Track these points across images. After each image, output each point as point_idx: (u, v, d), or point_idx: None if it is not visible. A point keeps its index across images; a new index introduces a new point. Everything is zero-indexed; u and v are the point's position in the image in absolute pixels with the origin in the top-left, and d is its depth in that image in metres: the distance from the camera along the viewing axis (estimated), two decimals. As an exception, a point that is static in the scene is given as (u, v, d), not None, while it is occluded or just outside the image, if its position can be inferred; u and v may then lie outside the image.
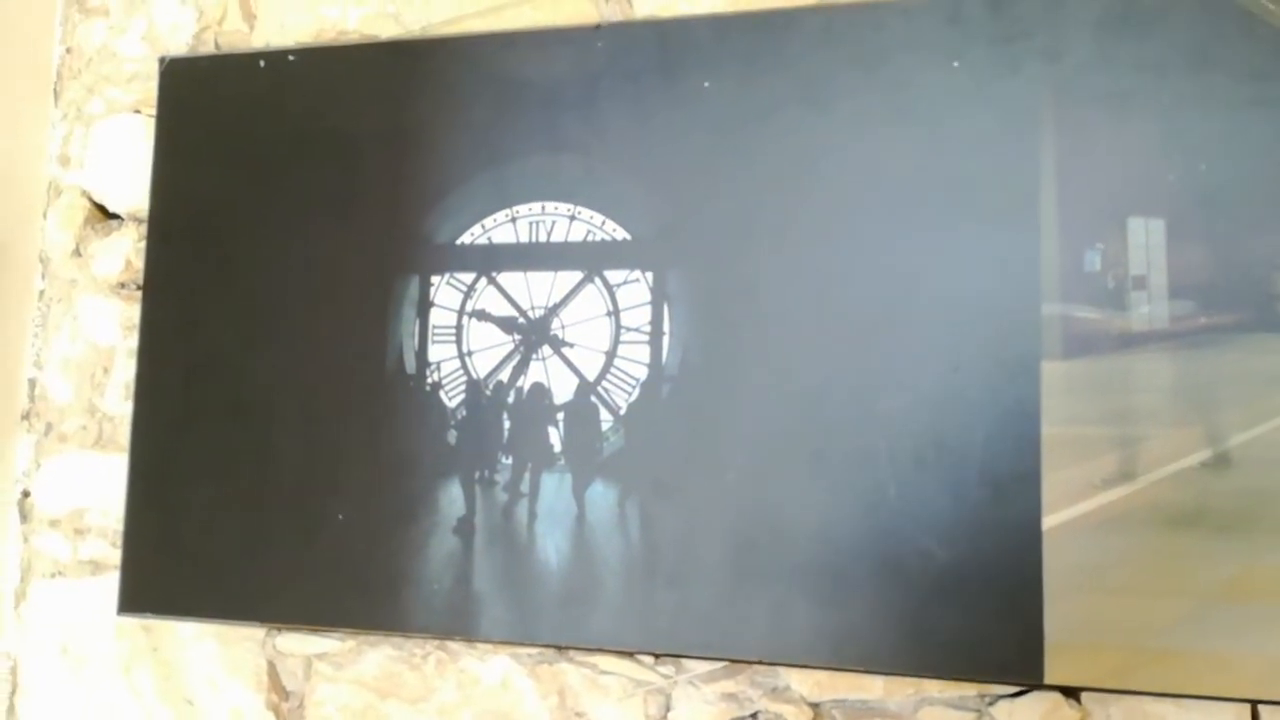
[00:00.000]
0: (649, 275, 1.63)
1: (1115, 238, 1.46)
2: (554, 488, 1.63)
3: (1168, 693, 1.40)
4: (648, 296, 1.62)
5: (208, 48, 2.01)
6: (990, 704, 1.54)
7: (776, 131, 1.59)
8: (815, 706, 1.59)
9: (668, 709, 1.64)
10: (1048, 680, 1.42)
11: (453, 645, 1.72)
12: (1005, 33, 1.51)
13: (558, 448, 1.63)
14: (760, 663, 1.57)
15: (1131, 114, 1.46)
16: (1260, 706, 1.45)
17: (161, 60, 1.96)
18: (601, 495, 1.61)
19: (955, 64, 1.52)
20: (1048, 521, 1.43)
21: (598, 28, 1.69)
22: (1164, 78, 1.45)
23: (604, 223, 1.66)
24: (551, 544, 1.61)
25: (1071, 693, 1.50)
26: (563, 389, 1.64)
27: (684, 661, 1.62)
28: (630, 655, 1.63)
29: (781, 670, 1.59)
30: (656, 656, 1.62)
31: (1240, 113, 1.42)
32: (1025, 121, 1.49)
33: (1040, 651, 1.41)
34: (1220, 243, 1.43)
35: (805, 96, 1.58)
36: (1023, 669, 1.43)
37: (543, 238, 1.68)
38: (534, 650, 1.67)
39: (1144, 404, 1.43)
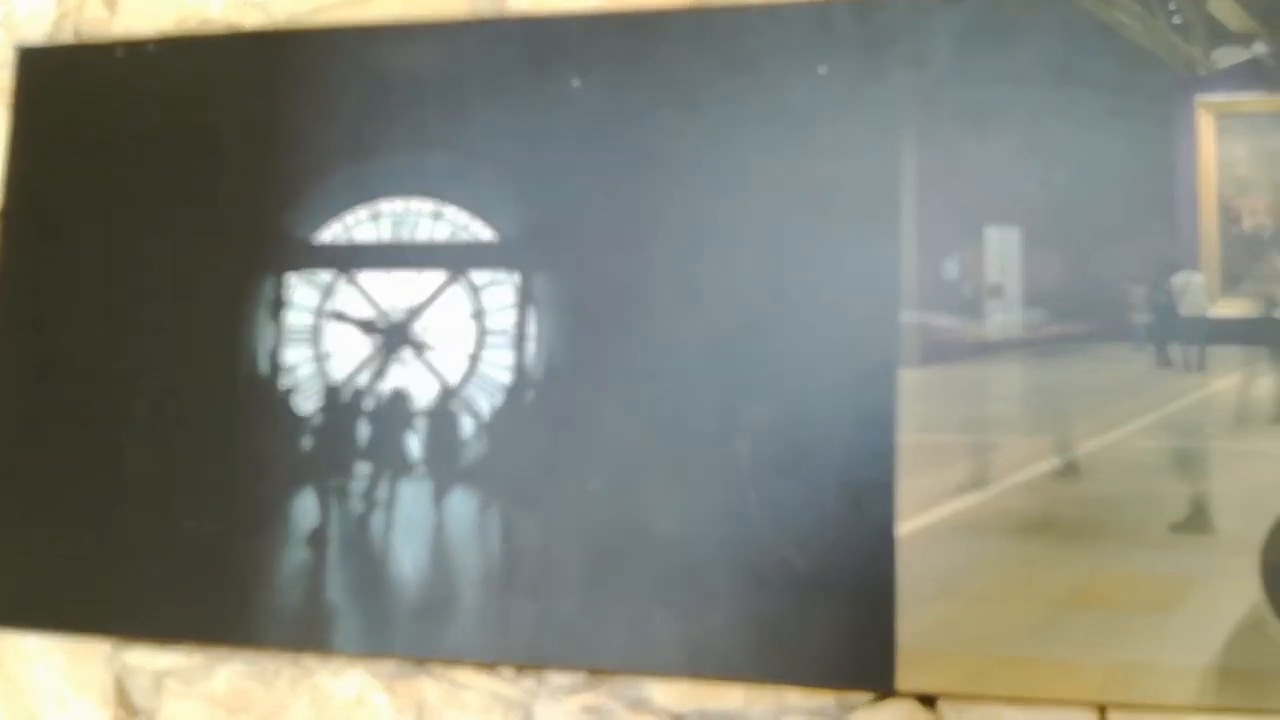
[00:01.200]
0: (515, 277, 1.61)
1: (973, 246, 1.47)
2: (412, 496, 1.60)
3: (1019, 698, 1.41)
4: (514, 299, 1.60)
5: (67, 35, 1.94)
6: (848, 712, 1.54)
7: (645, 133, 1.58)
8: (677, 717, 1.58)
9: (529, 722, 1.62)
10: (899, 688, 1.42)
11: (306, 660, 1.68)
12: (872, 39, 1.52)
13: (417, 455, 1.60)
14: (621, 673, 1.55)
15: (992, 124, 1.48)
16: (1109, 711, 1.47)
17: (18, 49, 1.88)
18: (462, 504, 1.58)
19: (822, 70, 1.52)
20: (902, 529, 1.44)
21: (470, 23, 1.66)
22: (1025, 89, 1.47)
23: (470, 222, 1.63)
24: (409, 554, 1.58)
25: (928, 700, 1.51)
26: (424, 394, 1.61)
27: (545, 674, 1.60)
28: (490, 667, 1.60)
29: (643, 681, 1.57)
30: (518, 669, 1.60)
31: (1098, 125, 1.45)
32: (889, 129, 1.51)
33: (892, 659, 1.42)
34: (1075, 252, 1.45)
35: (674, 98, 1.58)
36: (875, 677, 1.44)
37: (406, 236, 1.65)
38: (390, 664, 1.64)
39: (998, 412, 1.45)
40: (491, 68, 1.64)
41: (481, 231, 1.61)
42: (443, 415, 1.58)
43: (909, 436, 1.44)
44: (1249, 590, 1.38)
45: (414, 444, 1.60)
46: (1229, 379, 1.43)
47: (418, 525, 1.56)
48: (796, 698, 1.56)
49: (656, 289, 1.52)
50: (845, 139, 1.50)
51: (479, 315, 1.59)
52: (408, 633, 1.56)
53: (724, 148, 1.53)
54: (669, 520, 1.49)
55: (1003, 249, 1.45)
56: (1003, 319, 1.44)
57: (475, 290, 1.60)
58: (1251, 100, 1.45)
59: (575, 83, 1.59)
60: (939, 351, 1.45)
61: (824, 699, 1.54)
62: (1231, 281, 1.44)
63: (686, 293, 1.51)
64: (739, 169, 1.52)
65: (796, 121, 1.51)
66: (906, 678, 1.43)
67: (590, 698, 1.61)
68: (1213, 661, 1.37)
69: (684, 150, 1.54)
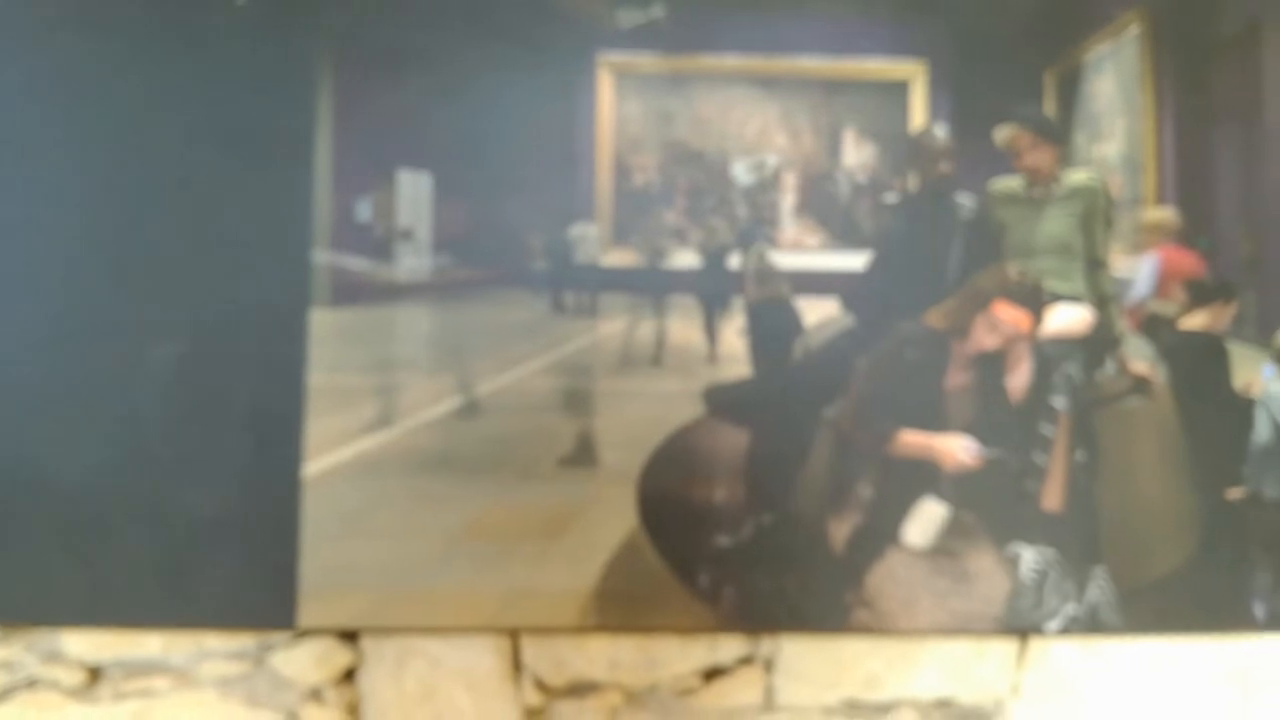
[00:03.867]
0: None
1: (385, 189, 1.51)
2: None
3: (435, 628, 1.49)
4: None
5: None
6: (268, 651, 1.58)
7: (53, 55, 1.50)
8: (95, 669, 1.56)
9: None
10: (302, 623, 1.47)
11: None
12: (297, -26, 1.51)
13: None
14: (32, 625, 1.51)
15: (407, 69, 1.52)
16: (520, 635, 1.59)
17: None
18: None
19: (240, 1, 1.50)
20: (309, 469, 1.47)
21: None
22: (441, 36, 1.51)
23: None
24: None
25: (350, 635, 1.57)
26: None
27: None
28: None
29: (56, 634, 1.54)
30: (-85, 626, 1.53)
31: (509, 76, 1.52)
32: (306, 67, 1.51)
33: (293, 597, 1.46)
34: (482, 200, 1.52)
35: (84, 19, 1.50)
36: (280, 615, 1.47)
37: None
38: None
39: (404, 353, 1.52)
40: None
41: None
42: None
43: (319, 377, 1.48)
44: (627, 517, 1.52)
45: None
46: (616, 324, 1.56)
47: None
48: (215, 641, 1.58)
49: (55, 222, 1.47)
50: (262, 74, 1.50)
51: None
52: None
53: (133, 75, 1.49)
54: (70, 468, 1.46)
55: (414, 193, 1.50)
56: (412, 262, 1.50)
57: None
58: (648, 60, 1.57)
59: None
60: (350, 293, 1.49)
61: (244, 640, 1.57)
62: (622, 233, 1.57)
63: (88, 227, 1.47)
64: (149, 98, 1.48)
65: (211, 53, 1.49)
66: (310, 614, 1.48)
67: (2, 652, 1.56)
68: (593, 584, 1.50)
69: (91, 74, 1.48)
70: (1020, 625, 1.54)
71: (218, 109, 1.50)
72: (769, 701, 1.61)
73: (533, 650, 1.60)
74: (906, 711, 1.63)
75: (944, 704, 1.64)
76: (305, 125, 1.51)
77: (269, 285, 1.50)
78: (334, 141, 1.49)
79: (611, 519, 1.51)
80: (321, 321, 1.50)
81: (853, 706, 1.63)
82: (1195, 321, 1.60)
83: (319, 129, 1.50)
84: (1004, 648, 1.64)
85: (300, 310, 1.50)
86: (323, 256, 1.47)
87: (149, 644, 1.55)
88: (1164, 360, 1.57)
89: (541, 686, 1.59)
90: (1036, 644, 1.64)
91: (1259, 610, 1.58)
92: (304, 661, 1.57)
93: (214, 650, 1.56)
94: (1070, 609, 1.52)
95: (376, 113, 1.47)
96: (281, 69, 1.51)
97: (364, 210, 1.46)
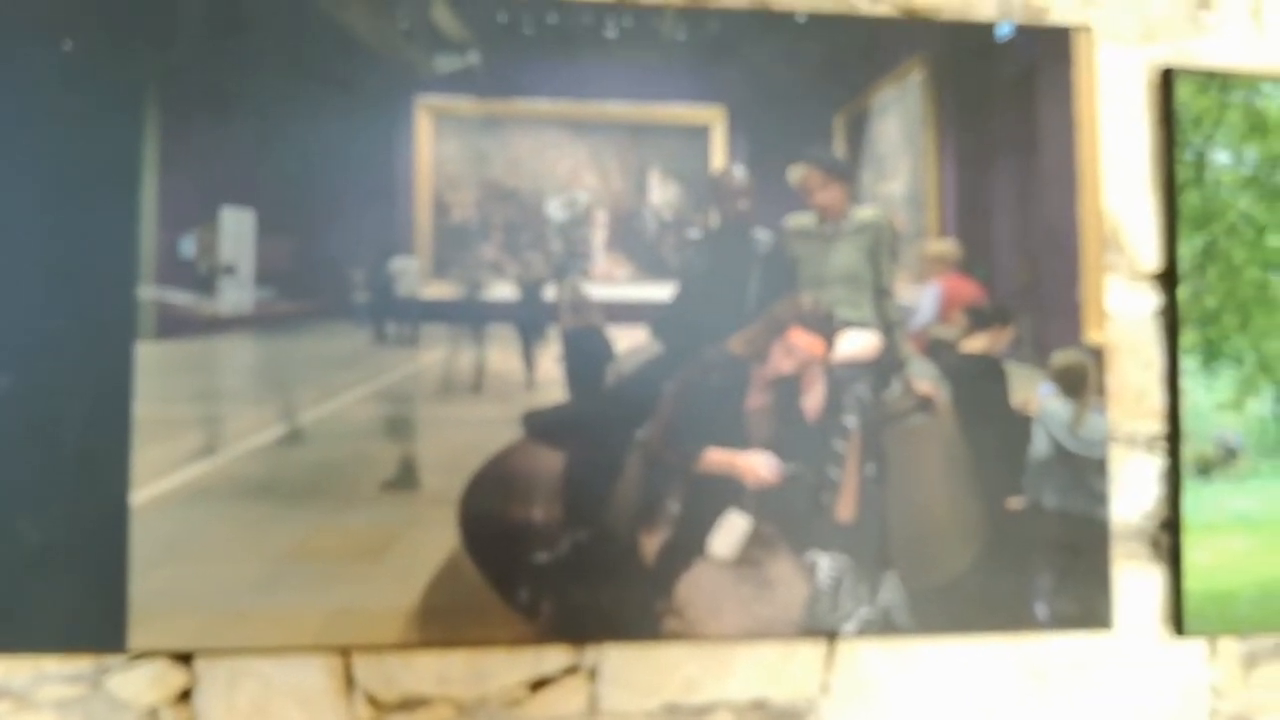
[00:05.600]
0: None
1: (209, 226, 1.61)
2: None
3: (269, 648, 1.58)
4: None
5: None
6: (105, 674, 1.65)
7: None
8: (-75, 697, 1.62)
9: None
10: (131, 646, 1.55)
11: None
12: (115, 19, 1.60)
13: None
14: None
15: (231, 109, 1.62)
16: (352, 653, 1.69)
17: None
18: None
19: (67, 46, 1.59)
20: (136, 497, 1.56)
21: None
22: (261, 78, 1.61)
23: None
24: None
25: (185, 659, 1.65)
26: None
27: None
28: None
29: (-115, 663, 1.59)
30: None
31: (329, 117, 1.63)
32: (133, 107, 1.60)
33: (124, 621, 1.54)
34: (304, 236, 1.63)
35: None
36: (110, 638, 1.55)
37: None
38: None
39: (229, 384, 1.61)
40: None
41: None
42: None
43: (145, 408, 1.56)
44: (449, 537, 1.63)
45: None
46: (436, 353, 1.67)
47: None
48: (53, 665, 1.65)
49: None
50: (88, 114, 1.58)
51: None
52: None
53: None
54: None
55: (238, 229, 1.60)
56: (235, 296, 1.60)
57: None
58: (465, 104, 1.69)
59: None
60: (175, 326, 1.58)
61: (81, 664, 1.65)
62: (441, 267, 1.69)
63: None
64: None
65: (39, 95, 1.57)
66: (140, 637, 1.56)
67: None
68: (417, 601, 1.61)
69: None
70: (818, 628, 1.69)
71: (45, 148, 1.58)
72: (593, 708, 1.74)
73: (363, 668, 1.70)
74: (723, 713, 1.77)
75: (759, 705, 1.79)
76: (130, 165, 1.60)
77: (96, 319, 1.59)
78: (158, 180, 1.58)
79: (433, 539, 1.62)
80: (147, 354, 1.59)
81: (672, 710, 1.76)
82: (975, 344, 1.77)
83: (144, 168, 1.59)
84: (812, 651, 1.79)
85: (126, 343, 1.59)
86: (148, 291, 1.56)
87: (-20, 670, 1.62)
88: (946, 380, 1.74)
89: (373, 702, 1.70)
90: (843, 646, 1.80)
91: (1040, 610, 1.76)
92: (139, 684, 1.65)
93: (51, 674, 1.64)
94: (864, 611, 1.68)
95: (200, 152, 1.57)
96: (107, 111, 1.61)
97: (188, 246, 1.55)
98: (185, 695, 1.70)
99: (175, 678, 1.69)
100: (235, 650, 1.64)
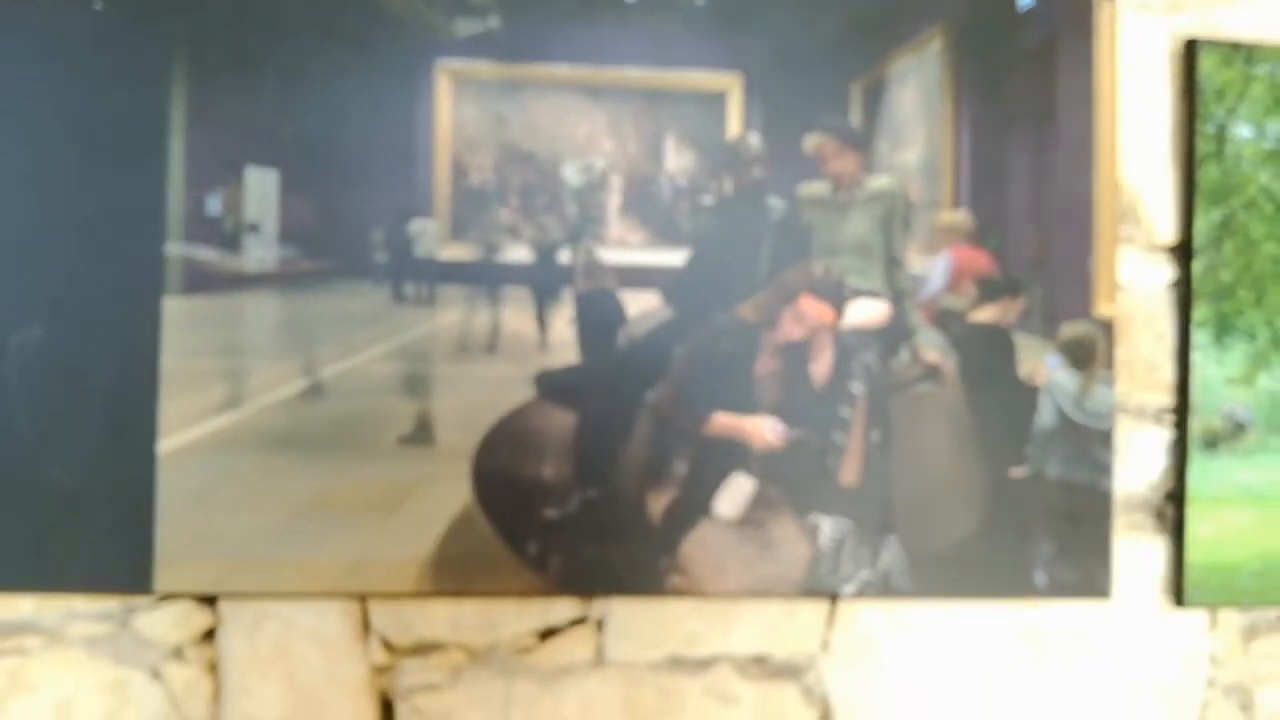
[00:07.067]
0: None
1: (234, 185, 1.68)
2: None
3: (291, 593, 1.68)
4: None
5: None
6: (132, 614, 1.76)
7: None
8: (-35, 628, 1.73)
9: None
10: (158, 589, 1.65)
11: None
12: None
13: None
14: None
15: (256, 71, 1.68)
16: (369, 600, 1.78)
17: None
18: None
19: (98, 6, 1.65)
20: (163, 446, 1.64)
21: None
22: (286, 39, 1.67)
23: None
24: None
25: (210, 601, 1.75)
26: None
27: None
28: None
29: (-74, 597, 1.70)
30: None
31: (351, 79, 1.68)
32: (161, 68, 1.66)
33: (151, 565, 1.64)
34: (326, 196, 1.69)
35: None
36: (137, 582, 1.65)
37: None
38: None
39: (253, 339, 1.69)
40: None
41: None
42: None
43: (172, 361, 1.64)
44: (463, 492, 1.71)
45: None
46: (453, 313, 1.74)
47: None
48: (83, 604, 1.75)
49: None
50: (118, 75, 1.64)
51: None
52: None
53: (-6, 73, 1.62)
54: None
55: (262, 189, 1.66)
56: (259, 254, 1.67)
57: None
58: (484, 68, 1.74)
59: None
60: (201, 282, 1.65)
61: (110, 603, 1.75)
62: (459, 229, 1.75)
63: (-50, 217, 1.61)
64: (7, 98, 1.62)
65: (69, 55, 1.63)
66: (166, 580, 1.66)
67: (-124, 616, 1.72)
68: (431, 552, 1.70)
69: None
70: (819, 588, 1.76)
71: (75, 109, 1.65)
72: (599, 658, 1.83)
73: (379, 614, 1.79)
74: (725, 666, 1.85)
75: (759, 660, 1.86)
76: (158, 125, 1.67)
77: (125, 275, 1.67)
78: (185, 140, 1.65)
79: (448, 493, 1.70)
80: (174, 309, 1.67)
81: (675, 662, 1.84)
82: (984, 315, 1.81)
83: (172, 128, 1.66)
84: (814, 609, 1.86)
85: (154, 298, 1.66)
86: (175, 248, 1.63)
87: (21, 606, 1.72)
88: (954, 350, 1.79)
89: (388, 646, 1.79)
90: (844, 606, 1.86)
91: (1039, 578, 1.81)
92: (165, 623, 1.75)
93: (81, 612, 1.74)
94: (865, 574, 1.75)
95: (226, 113, 1.63)
96: (136, 71, 1.67)
97: (214, 205, 1.62)
98: (209, 635, 1.80)
99: (200, 618, 1.78)
100: (254, 595, 1.73)
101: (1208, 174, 1.92)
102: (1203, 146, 1.92)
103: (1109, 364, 1.85)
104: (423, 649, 1.83)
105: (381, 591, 1.75)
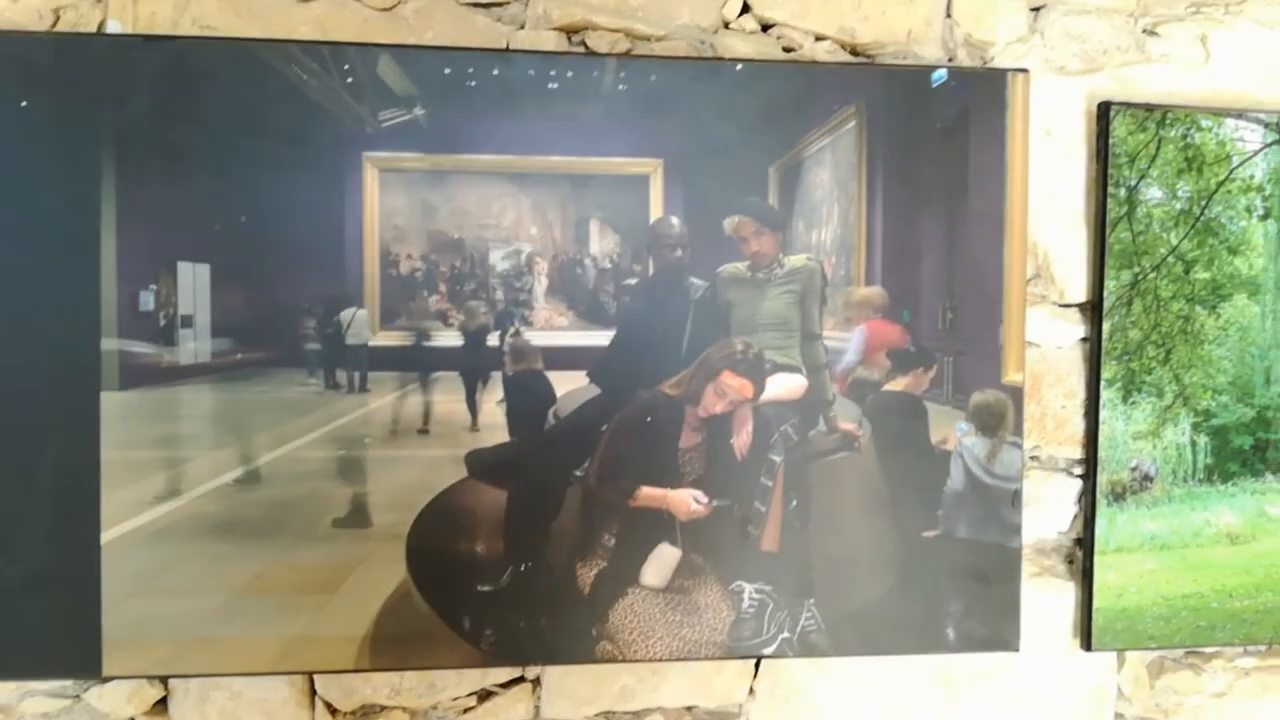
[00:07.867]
0: None
1: (167, 280, 1.73)
2: None
3: (238, 671, 1.76)
4: None
5: None
6: (85, 690, 1.84)
7: None
8: (-80, 710, 1.80)
9: None
10: (106, 673, 1.73)
11: None
12: (72, 77, 1.69)
13: None
14: None
15: (185, 165, 1.72)
16: (316, 676, 1.87)
17: None
18: None
19: (24, 104, 1.68)
20: (106, 535, 1.71)
21: None
22: (214, 135, 1.71)
23: None
24: None
25: (162, 677, 1.84)
26: None
27: None
28: None
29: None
30: None
31: (279, 172, 1.73)
32: (90, 164, 1.70)
33: (99, 649, 1.71)
34: (257, 288, 1.75)
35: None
36: (85, 666, 1.72)
37: None
38: None
39: (190, 430, 1.75)
40: None
41: None
42: None
43: (111, 453, 1.71)
44: (398, 570, 1.80)
45: None
46: (385, 398, 1.81)
47: None
48: (37, 684, 1.83)
49: None
50: (48, 172, 1.68)
51: None
52: None
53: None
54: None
55: (194, 283, 1.72)
56: (193, 346, 1.73)
57: None
58: (410, 158, 1.79)
59: None
60: (137, 376, 1.71)
61: (64, 682, 1.83)
62: (390, 316, 1.81)
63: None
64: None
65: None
66: (114, 663, 1.74)
67: None
68: (369, 629, 1.78)
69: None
70: (742, 650, 1.86)
71: (8, 206, 1.69)
72: (537, 715, 1.93)
73: (323, 682, 1.89)
74: (657, 718, 1.96)
75: (690, 710, 1.97)
76: (90, 222, 1.71)
77: (62, 370, 1.73)
78: (117, 236, 1.70)
79: (384, 572, 1.78)
80: (112, 403, 1.73)
81: (609, 716, 1.95)
82: (897, 385, 1.91)
83: (103, 225, 1.71)
84: (739, 661, 1.97)
85: (92, 393, 1.72)
86: (110, 343, 1.69)
87: (-26, 690, 1.80)
88: (869, 419, 1.88)
89: (333, 711, 1.89)
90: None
91: (950, 634, 1.93)
92: (118, 697, 1.84)
93: (36, 689, 1.82)
94: (785, 635, 1.85)
95: (156, 209, 1.68)
96: (66, 166, 1.71)
97: (148, 300, 1.68)
98: (161, 703, 1.88)
99: (151, 691, 1.87)
100: (199, 675, 1.81)
101: (1118, 236, 2.01)
102: (1114, 209, 2.01)
103: (1017, 430, 1.95)
104: (367, 712, 1.93)
105: (322, 669, 1.84)
